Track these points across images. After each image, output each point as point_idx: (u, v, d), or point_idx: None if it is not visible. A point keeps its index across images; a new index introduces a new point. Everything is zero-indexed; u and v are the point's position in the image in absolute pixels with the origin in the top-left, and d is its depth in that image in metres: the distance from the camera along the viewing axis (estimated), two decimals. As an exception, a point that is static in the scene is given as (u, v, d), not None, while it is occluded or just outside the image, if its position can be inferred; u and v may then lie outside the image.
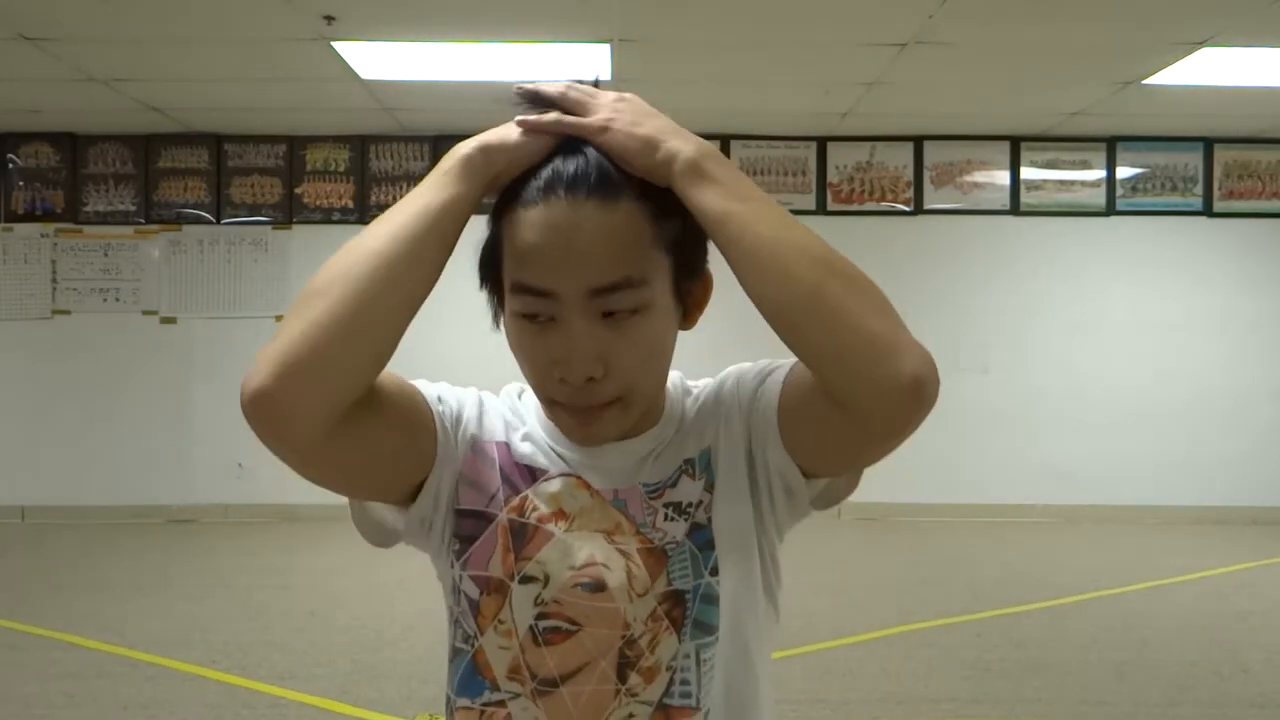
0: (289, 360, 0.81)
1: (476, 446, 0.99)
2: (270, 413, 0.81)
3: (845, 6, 4.32)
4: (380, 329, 0.85)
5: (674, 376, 1.03)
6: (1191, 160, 6.75)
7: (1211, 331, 6.73)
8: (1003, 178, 6.74)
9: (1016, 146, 6.72)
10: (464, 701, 0.97)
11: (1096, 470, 6.65)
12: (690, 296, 0.95)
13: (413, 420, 0.95)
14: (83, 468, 6.61)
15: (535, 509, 0.96)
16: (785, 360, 0.96)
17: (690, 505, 0.96)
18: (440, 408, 0.98)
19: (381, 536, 1.00)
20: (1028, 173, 6.74)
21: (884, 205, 6.73)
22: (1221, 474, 6.65)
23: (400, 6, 4.33)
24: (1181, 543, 6.05)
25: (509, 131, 0.91)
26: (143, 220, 6.68)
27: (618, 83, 5.26)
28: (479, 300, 0.97)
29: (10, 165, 6.68)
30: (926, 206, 6.74)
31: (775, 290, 0.84)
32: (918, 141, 6.71)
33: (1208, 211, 6.77)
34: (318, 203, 6.68)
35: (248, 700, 3.39)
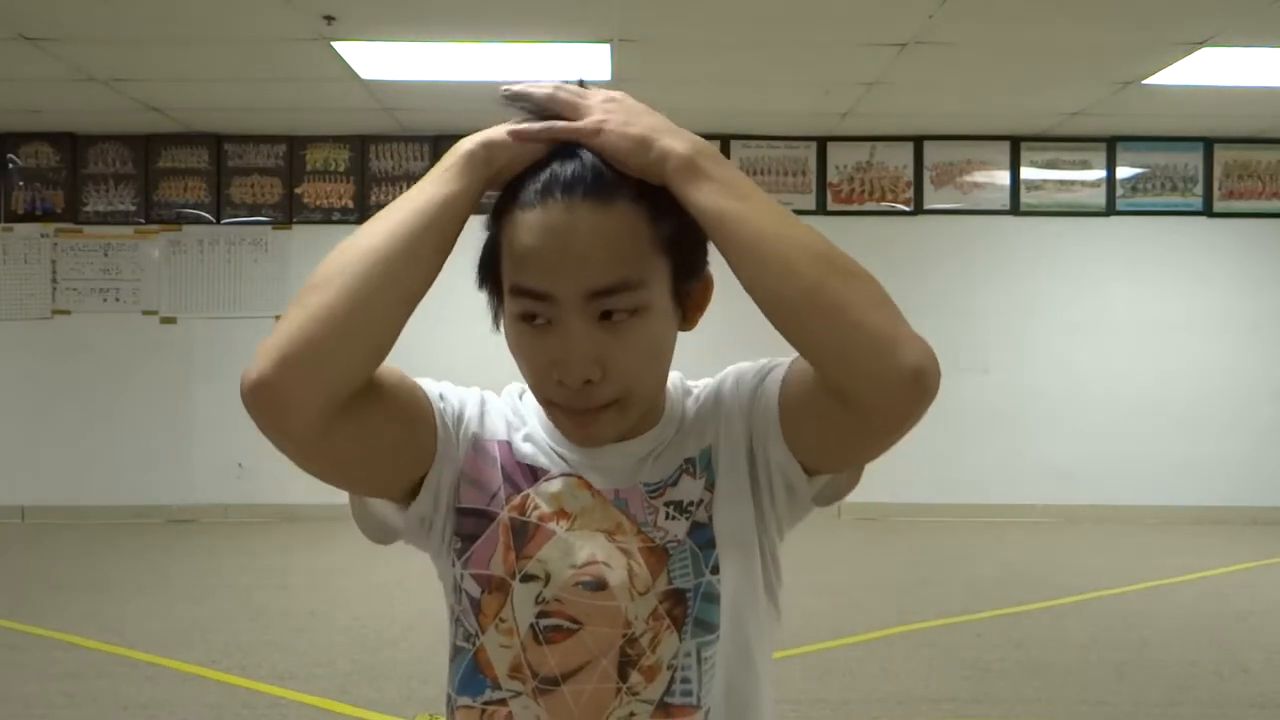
0: (288, 351, 0.82)
1: (478, 445, 0.99)
2: (270, 403, 0.82)
3: (845, 6, 4.32)
4: (379, 322, 0.86)
5: (674, 377, 1.03)
6: (1191, 160, 6.75)
7: (1211, 331, 6.73)
8: (1003, 178, 6.75)
9: (1016, 146, 6.72)
10: (465, 700, 0.97)
11: (1096, 470, 6.66)
12: (690, 298, 0.95)
13: (413, 414, 0.95)
14: (83, 468, 6.61)
15: (536, 507, 0.97)
16: (784, 358, 0.97)
17: (691, 504, 0.96)
18: (441, 405, 0.98)
19: (382, 534, 1.00)
20: (1028, 173, 6.74)
21: (884, 205, 6.73)
22: (1221, 474, 6.65)
23: (400, 6, 4.33)
24: (1181, 543, 6.05)
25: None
26: (143, 220, 6.68)
27: (618, 83, 5.26)
28: (479, 301, 0.97)
29: (10, 165, 6.68)
30: (926, 206, 6.75)
31: (775, 286, 0.84)
32: (918, 141, 6.71)
33: (1208, 211, 6.77)
34: (318, 203, 6.68)
35: (248, 700, 3.39)
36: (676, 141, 0.87)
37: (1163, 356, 6.71)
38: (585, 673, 0.93)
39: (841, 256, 0.86)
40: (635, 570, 0.94)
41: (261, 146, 6.67)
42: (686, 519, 0.96)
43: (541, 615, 0.94)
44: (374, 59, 5.06)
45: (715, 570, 0.95)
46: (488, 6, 4.36)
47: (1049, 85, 5.57)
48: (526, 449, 1.00)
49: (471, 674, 0.96)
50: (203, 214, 6.69)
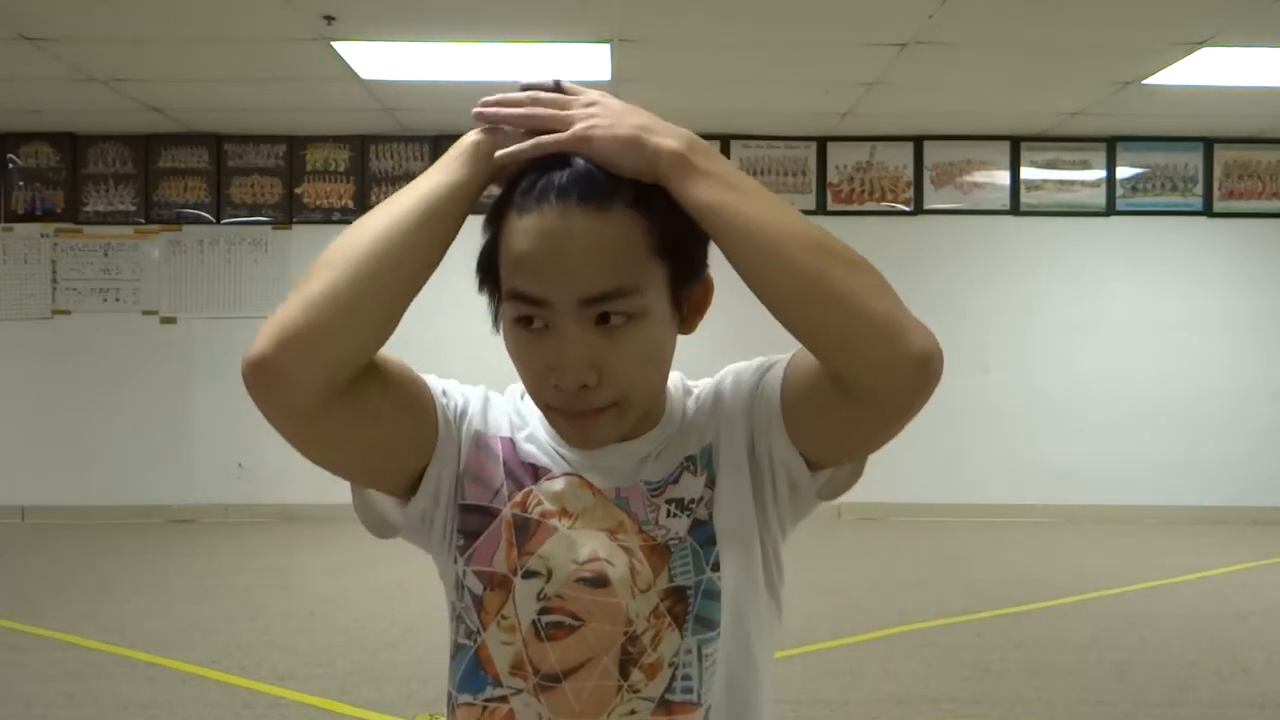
0: (288, 329, 0.82)
1: (480, 441, 1.00)
2: (268, 380, 0.82)
3: (845, 6, 4.32)
4: (380, 306, 0.86)
5: (675, 377, 1.03)
6: (1191, 160, 6.75)
7: (1211, 331, 6.73)
8: (1003, 178, 6.75)
9: (1016, 146, 6.72)
10: (466, 698, 0.97)
11: (1096, 470, 6.66)
12: (689, 301, 0.95)
13: (413, 404, 0.95)
14: (83, 468, 6.61)
15: (539, 504, 0.97)
16: (783, 355, 0.97)
17: (692, 501, 0.97)
18: (444, 400, 0.98)
19: (383, 529, 1.00)
20: (1028, 173, 6.74)
21: (884, 205, 6.73)
22: (1221, 474, 6.65)
23: (400, 6, 4.33)
24: (1181, 543, 6.05)
25: None
26: (143, 220, 6.68)
27: (618, 83, 5.27)
28: (479, 302, 0.97)
29: (10, 165, 6.68)
30: (926, 206, 6.75)
31: (776, 278, 0.84)
32: (918, 141, 6.71)
33: (1208, 211, 6.77)
34: (318, 203, 6.68)
35: (248, 700, 3.39)
36: (667, 138, 0.87)
37: (1163, 356, 6.71)
38: (586, 670, 0.93)
39: (840, 246, 0.86)
40: (637, 568, 0.94)
41: (261, 146, 6.67)
42: (687, 516, 0.96)
43: (543, 612, 0.94)
44: (374, 59, 5.06)
45: (716, 567, 0.95)
46: (488, 6, 4.36)
47: (1049, 85, 5.57)
48: (529, 448, 1.00)
49: (473, 671, 0.96)
50: (203, 214, 6.69)
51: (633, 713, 0.93)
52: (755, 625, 0.97)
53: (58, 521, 6.43)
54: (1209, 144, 6.72)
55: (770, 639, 1.00)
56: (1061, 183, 6.75)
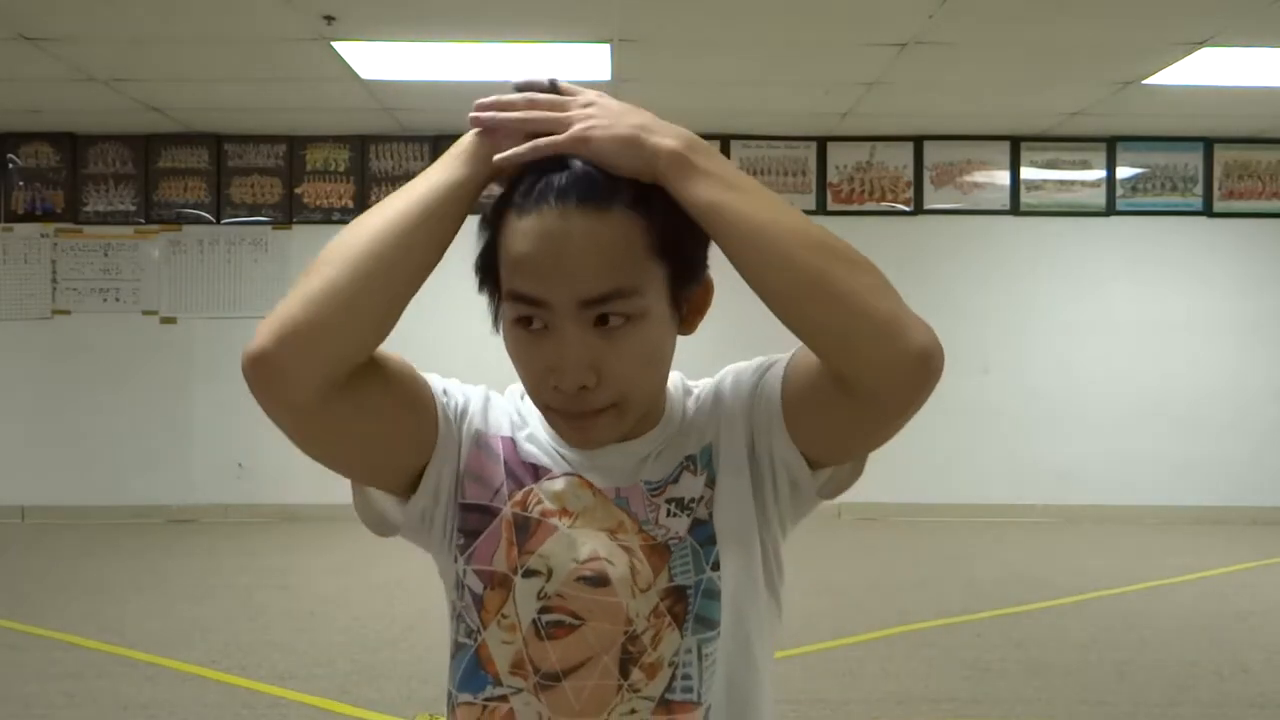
0: (288, 325, 0.83)
1: (481, 441, 1.00)
2: (268, 375, 0.83)
3: (845, 6, 4.32)
4: (380, 302, 0.86)
5: (675, 377, 1.03)
6: (1191, 160, 6.75)
7: (1211, 332, 6.73)
8: (1003, 178, 6.75)
9: (1016, 146, 6.72)
10: (466, 697, 0.97)
11: (1096, 470, 6.66)
12: (689, 302, 0.95)
13: (414, 401, 0.95)
14: (83, 468, 6.61)
15: (539, 503, 0.97)
16: (783, 354, 0.97)
17: (692, 500, 0.97)
18: (445, 399, 0.99)
19: (383, 527, 1.01)
20: (1028, 173, 6.74)
21: (884, 205, 6.73)
22: (1222, 474, 6.65)
23: (400, 6, 4.33)
24: (1181, 543, 6.05)
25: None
26: (143, 220, 6.69)
27: (618, 83, 5.27)
28: (479, 302, 0.97)
29: (10, 165, 6.68)
30: (926, 206, 6.75)
31: (777, 276, 0.84)
32: (918, 141, 6.71)
33: (1208, 211, 6.77)
34: (318, 203, 6.68)
35: (248, 700, 3.39)
36: (666, 138, 0.87)
37: (1163, 356, 6.71)
38: (586, 669, 0.93)
39: (841, 244, 0.86)
40: (637, 567, 0.94)
41: (261, 146, 6.68)
42: (687, 516, 0.96)
43: (544, 611, 0.94)
44: (374, 59, 5.06)
45: (716, 567, 0.95)
46: (488, 6, 4.36)
47: (1049, 85, 5.57)
48: (529, 448, 1.00)
49: (473, 670, 0.96)
50: (203, 214, 6.69)
51: (633, 712, 0.93)
52: (755, 625, 0.97)
53: (58, 521, 6.43)
54: (1209, 144, 6.72)
55: (770, 638, 1.00)
56: (1061, 183, 6.75)
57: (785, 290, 0.85)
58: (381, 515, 0.99)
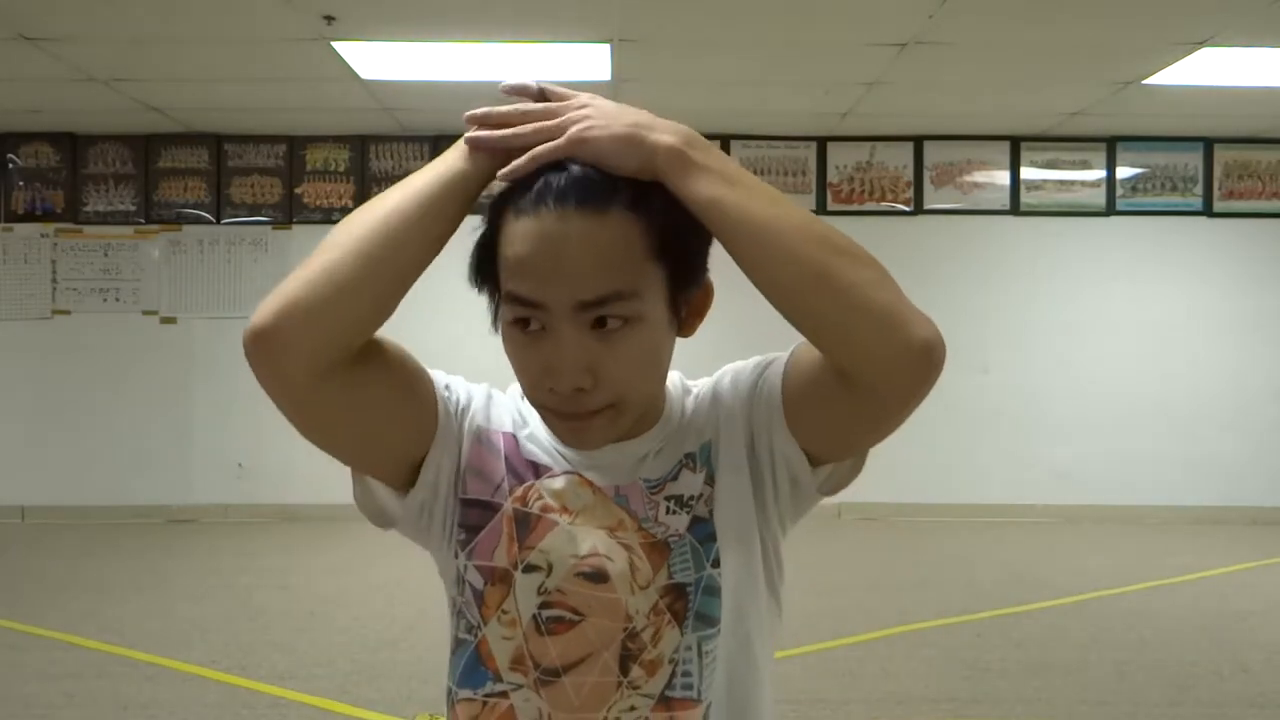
0: (289, 301, 0.84)
1: (483, 436, 1.00)
2: (269, 350, 0.83)
3: (845, 6, 4.32)
4: (381, 285, 0.87)
5: (674, 376, 1.03)
6: (1191, 160, 6.75)
7: (1211, 332, 6.73)
8: (1003, 178, 6.75)
9: (1016, 146, 6.72)
10: (466, 693, 0.97)
11: (1096, 470, 6.66)
12: (688, 305, 0.95)
13: (413, 389, 0.96)
14: (83, 468, 6.61)
15: (539, 498, 0.97)
16: (782, 352, 0.97)
17: (691, 498, 0.97)
18: (446, 394, 0.99)
19: (383, 519, 1.01)
20: (1028, 173, 6.74)
21: (884, 205, 6.74)
22: (1222, 474, 6.65)
23: (400, 6, 4.33)
24: (1181, 543, 6.05)
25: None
26: (143, 220, 6.69)
27: (618, 83, 5.27)
28: (480, 303, 0.97)
29: (10, 165, 6.68)
30: (926, 206, 6.75)
31: (779, 271, 0.85)
32: (918, 141, 6.71)
33: (1208, 211, 6.77)
34: (318, 203, 6.68)
35: (248, 700, 3.39)
36: (664, 135, 0.87)
37: (1163, 356, 6.71)
38: (586, 665, 0.93)
39: (842, 238, 0.86)
40: (636, 564, 0.94)
41: (261, 146, 6.68)
42: (687, 513, 0.96)
43: (544, 606, 0.94)
44: (374, 59, 5.06)
45: (716, 564, 0.95)
46: (488, 6, 4.36)
47: (1049, 85, 5.57)
48: (530, 446, 1.00)
49: (473, 666, 0.97)
50: (203, 214, 6.69)
51: (632, 709, 0.93)
52: (755, 623, 0.97)
53: (58, 521, 6.43)
54: (1209, 144, 6.72)
55: (770, 637, 1.00)
56: (1061, 183, 6.75)
57: (787, 284, 0.85)
58: (381, 507, 0.99)
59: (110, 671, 3.66)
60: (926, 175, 6.73)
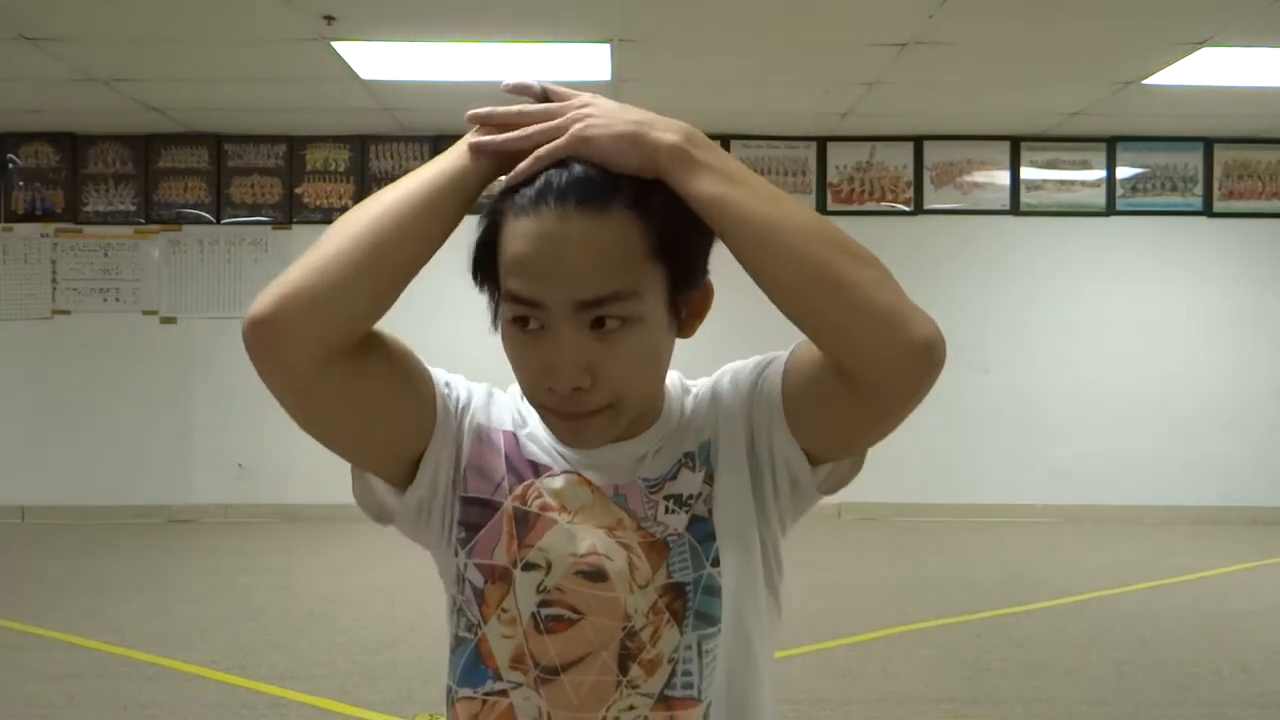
0: (288, 289, 0.85)
1: (483, 435, 1.00)
2: (268, 337, 0.84)
3: (845, 6, 4.32)
4: (381, 276, 0.87)
5: (673, 376, 1.03)
6: (1191, 160, 6.75)
7: (1211, 332, 6.73)
8: (1003, 178, 6.75)
9: (1016, 146, 6.72)
10: (466, 691, 0.97)
11: (1096, 470, 6.66)
12: (688, 306, 0.95)
13: (414, 381, 0.96)
14: (83, 468, 6.61)
15: (539, 496, 0.97)
16: (781, 351, 0.97)
17: (690, 497, 0.97)
18: (446, 391, 0.99)
19: (382, 515, 1.01)
20: (1028, 173, 6.74)
21: (884, 205, 6.74)
22: (1221, 474, 6.65)
23: (400, 6, 4.33)
24: (1181, 543, 6.05)
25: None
26: (143, 220, 6.69)
27: (617, 83, 5.27)
28: (480, 301, 0.97)
29: (10, 165, 6.68)
30: (926, 206, 6.75)
31: (781, 269, 0.85)
32: (918, 141, 6.71)
33: (1208, 211, 6.77)
34: (318, 203, 6.68)
35: (248, 700, 3.39)
36: (665, 132, 0.87)
37: (1163, 356, 6.71)
38: (585, 664, 0.93)
39: (843, 236, 0.86)
40: (635, 563, 0.94)
41: (261, 146, 6.68)
42: (686, 512, 0.96)
43: (543, 604, 0.94)
44: (374, 59, 5.06)
45: (715, 563, 0.95)
46: (488, 6, 4.36)
47: (1049, 85, 5.57)
48: (530, 446, 1.00)
49: (473, 665, 0.97)
50: (203, 214, 6.69)
51: (631, 708, 0.93)
52: (755, 622, 0.97)
53: (58, 521, 6.43)
54: (1209, 144, 6.72)
55: (770, 636, 1.00)
56: (1061, 183, 6.75)
57: (789, 282, 0.85)
58: (381, 504, 1.00)
59: (110, 671, 3.66)
60: (926, 175, 6.74)
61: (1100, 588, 4.87)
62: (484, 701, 0.95)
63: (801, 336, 0.91)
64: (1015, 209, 6.75)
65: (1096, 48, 4.86)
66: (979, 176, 6.75)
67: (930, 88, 5.55)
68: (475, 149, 0.90)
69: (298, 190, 6.68)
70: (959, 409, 6.26)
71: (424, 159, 7.08)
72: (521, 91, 0.93)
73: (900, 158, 6.74)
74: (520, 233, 0.88)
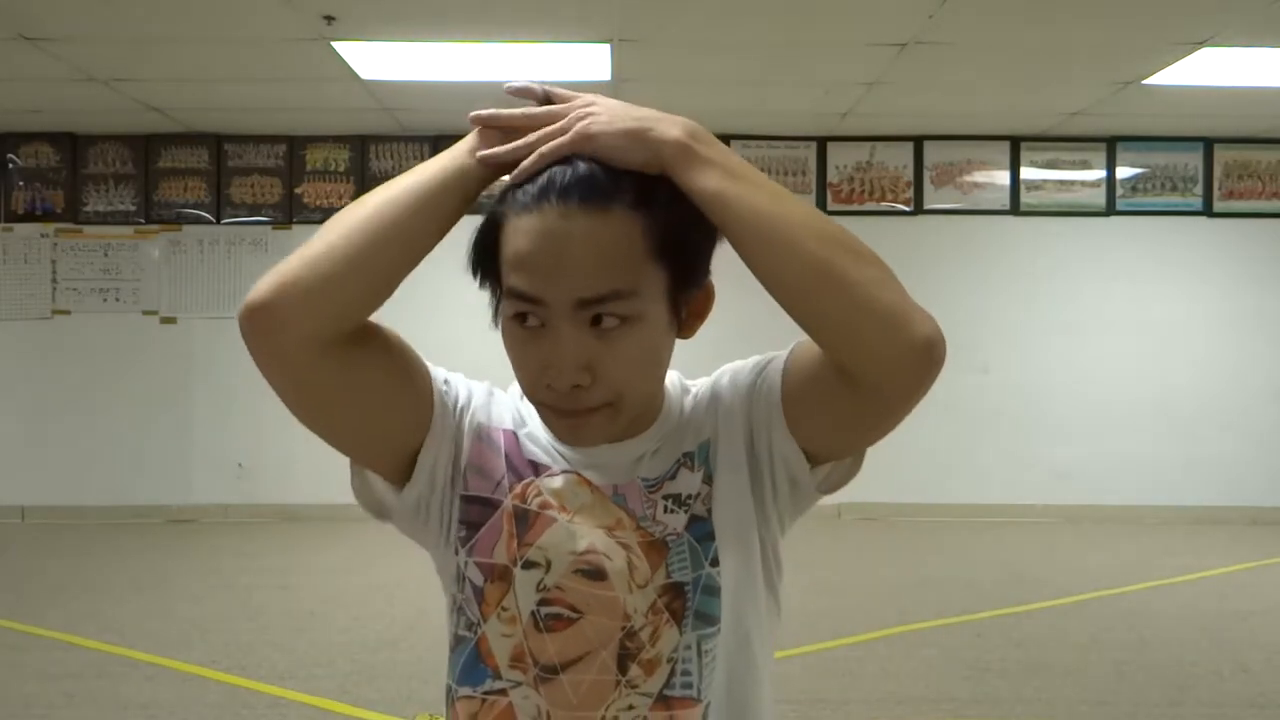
0: (286, 276, 0.85)
1: (483, 433, 1.00)
2: (265, 324, 0.84)
3: (845, 6, 4.32)
4: (379, 268, 0.88)
5: (673, 376, 1.03)
6: (1191, 160, 6.75)
7: (1211, 332, 6.73)
8: (1003, 178, 6.75)
9: (1016, 146, 6.72)
10: (465, 690, 0.97)
11: (1096, 470, 6.66)
12: (688, 306, 0.95)
13: (411, 375, 0.96)
14: (83, 468, 6.61)
15: (538, 495, 0.97)
16: (781, 351, 0.97)
17: (689, 497, 0.97)
18: (445, 388, 0.99)
19: (381, 511, 1.01)
20: (1028, 173, 6.74)
21: (884, 205, 6.74)
22: (1221, 474, 6.65)
23: (400, 6, 4.33)
24: (1181, 543, 6.05)
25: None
26: (143, 220, 6.69)
27: (618, 83, 5.27)
28: (480, 300, 0.97)
29: (10, 165, 6.68)
30: (926, 206, 6.75)
31: (783, 266, 0.85)
32: (918, 141, 6.71)
33: (1208, 211, 6.77)
34: (318, 203, 6.68)
35: (248, 700, 3.39)
36: (669, 128, 0.87)
37: (1162, 356, 6.71)
38: (585, 663, 0.93)
39: (846, 235, 0.86)
40: (634, 563, 0.94)
41: (261, 146, 6.68)
42: (685, 512, 0.96)
43: (543, 603, 0.94)
44: (374, 59, 5.06)
45: (715, 563, 0.95)
46: (488, 6, 4.36)
47: (1049, 85, 5.57)
48: (530, 445, 1.00)
49: (473, 663, 0.97)
50: (203, 214, 6.69)
51: (631, 708, 0.93)
52: (754, 622, 0.97)
53: (58, 521, 6.43)
54: (1209, 144, 6.72)
55: (770, 636, 1.00)
56: (1061, 183, 6.75)
57: (791, 280, 0.85)
58: (379, 500, 1.00)
59: (110, 671, 3.66)
60: (926, 175, 6.74)
61: (1100, 588, 4.87)
62: (483, 700, 0.95)
63: (801, 337, 0.91)
64: (1015, 209, 6.75)
65: (1096, 48, 4.86)
66: (979, 176, 6.75)
67: (930, 88, 5.55)
68: (483, 161, 0.90)
69: (298, 190, 6.68)
70: (959, 409, 6.26)
71: (424, 159, 7.09)
72: (523, 94, 0.93)
73: (900, 158, 6.74)
74: (522, 229, 0.88)
